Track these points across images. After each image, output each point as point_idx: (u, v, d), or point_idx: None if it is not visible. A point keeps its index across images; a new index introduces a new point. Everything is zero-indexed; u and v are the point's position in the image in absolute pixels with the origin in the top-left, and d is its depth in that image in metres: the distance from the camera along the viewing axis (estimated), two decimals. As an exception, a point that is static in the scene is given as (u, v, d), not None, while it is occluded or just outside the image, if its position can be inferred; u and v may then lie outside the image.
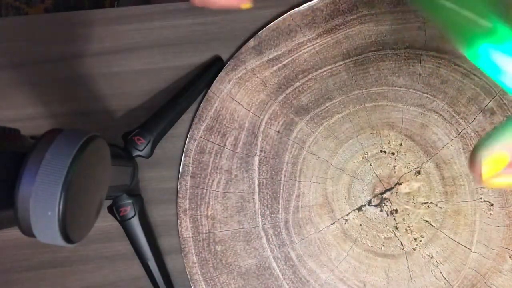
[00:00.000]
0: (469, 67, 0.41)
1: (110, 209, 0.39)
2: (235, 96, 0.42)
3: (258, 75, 0.42)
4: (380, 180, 0.41)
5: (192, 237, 0.41)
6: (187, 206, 0.41)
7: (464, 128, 0.41)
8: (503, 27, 0.21)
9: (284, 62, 0.42)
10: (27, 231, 0.23)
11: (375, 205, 0.41)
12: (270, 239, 0.41)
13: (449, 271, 0.40)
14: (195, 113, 0.42)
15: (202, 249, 0.41)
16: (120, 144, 0.39)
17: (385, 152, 0.41)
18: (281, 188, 0.41)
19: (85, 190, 0.25)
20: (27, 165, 0.22)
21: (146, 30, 0.43)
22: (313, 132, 0.42)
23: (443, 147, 0.41)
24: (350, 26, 0.42)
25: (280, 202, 0.41)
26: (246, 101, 0.42)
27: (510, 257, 0.40)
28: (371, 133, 0.42)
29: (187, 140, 0.42)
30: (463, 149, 0.41)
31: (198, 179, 0.41)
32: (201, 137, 0.42)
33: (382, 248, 0.41)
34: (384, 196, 0.41)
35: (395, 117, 0.42)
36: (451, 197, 0.41)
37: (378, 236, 0.41)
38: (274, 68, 0.42)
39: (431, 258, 0.41)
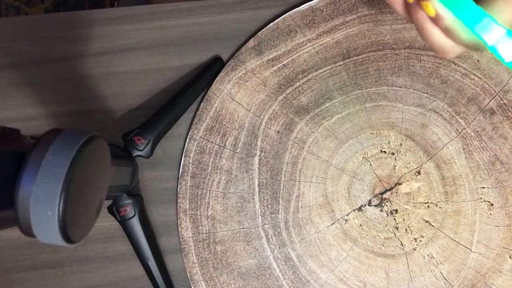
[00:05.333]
0: (469, 67, 0.41)
1: (110, 209, 0.39)
2: (235, 96, 0.42)
3: (258, 75, 0.42)
4: (380, 180, 0.41)
5: (192, 237, 0.41)
6: (187, 206, 0.41)
7: (464, 128, 0.41)
8: None
9: (284, 62, 0.42)
10: (27, 231, 0.23)
11: (375, 205, 0.41)
12: (270, 239, 0.41)
13: (449, 271, 0.40)
14: (195, 113, 0.42)
15: (202, 249, 0.41)
16: (120, 144, 0.39)
17: (385, 152, 0.41)
18: (281, 188, 0.41)
19: (85, 190, 0.25)
20: (27, 165, 0.22)
21: (146, 30, 0.43)
22: (313, 132, 0.42)
23: (443, 147, 0.41)
24: (350, 26, 0.42)
25: (280, 202, 0.41)
26: (246, 101, 0.42)
27: (510, 257, 0.40)
28: (371, 133, 0.42)
29: (187, 140, 0.42)
30: (463, 149, 0.41)
31: (198, 179, 0.41)
32: (201, 137, 0.42)
33: (382, 248, 0.41)
34: (384, 196, 0.41)
35: (395, 117, 0.42)
36: (451, 197, 0.41)
37: (378, 236, 0.41)
38: (274, 68, 0.42)
39: (431, 258, 0.41)
